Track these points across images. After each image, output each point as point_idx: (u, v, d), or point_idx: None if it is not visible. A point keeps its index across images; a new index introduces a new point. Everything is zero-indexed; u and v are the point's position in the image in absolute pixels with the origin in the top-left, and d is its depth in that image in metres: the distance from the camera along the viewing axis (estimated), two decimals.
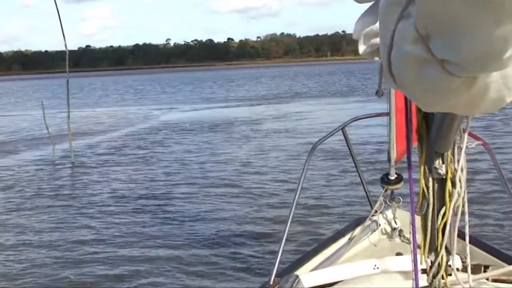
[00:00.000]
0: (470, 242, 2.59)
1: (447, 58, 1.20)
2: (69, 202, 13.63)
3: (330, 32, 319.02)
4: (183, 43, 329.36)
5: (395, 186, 4.85)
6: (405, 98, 2.16)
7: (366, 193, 5.42)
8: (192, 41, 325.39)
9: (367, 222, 4.91)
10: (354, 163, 5.52)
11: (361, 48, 2.04)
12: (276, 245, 4.72)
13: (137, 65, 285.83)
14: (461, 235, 2.40)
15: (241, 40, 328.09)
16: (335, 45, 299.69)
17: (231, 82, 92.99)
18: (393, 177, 4.84)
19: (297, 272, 3.58)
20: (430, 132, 2.18)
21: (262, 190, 13.84)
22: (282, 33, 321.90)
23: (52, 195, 14.55)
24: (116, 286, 8.43)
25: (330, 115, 30.32)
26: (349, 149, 5.42)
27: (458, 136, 2.19)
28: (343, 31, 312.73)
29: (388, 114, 4.69)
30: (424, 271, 2.36)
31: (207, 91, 68.92)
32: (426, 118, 2.18)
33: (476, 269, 3.47)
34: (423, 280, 2.34)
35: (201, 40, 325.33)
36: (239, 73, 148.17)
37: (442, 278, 2.32)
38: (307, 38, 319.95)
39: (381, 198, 4.89)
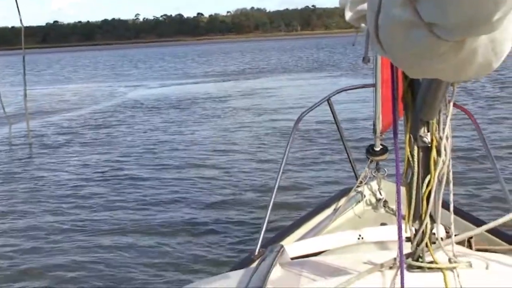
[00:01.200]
0: (454, 213, 2.67)
1: (435, 22, 1.20)
2: (22, 185, 12.91)
3: (300, 6, 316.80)
4: (152, 18, 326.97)
5: (380, 157, 4.89)
6: (391, 67, 2.10)
7: (352, 164, 5.45)
8: (161, 16, 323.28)
9: (352, 193, 4.95)
10: (340, 134, 5.54)
11: (348, 14, 2.07)
12: (262, 216, 4.60)
13: (106, 41, 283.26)
14: (446, 205, 2.40)
15: (211, 15, 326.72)
16: (305, 20, 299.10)
17: (201, 57, 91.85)
18: (378, 148, 4.88)
19: (282, 243, 3.45)
20: (415, 100, 2.17)
21: (239, 165, 13.68)
22: (252, 8, 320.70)
23: (5, 177, 13.85)
24: (80, 274, 7.96)
25: (303, 91, 29.87)
26: (335, 120, 5.40)
27: (443, 105, 2.15)
28: (313, 5, 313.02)
29: (373, 85, 4.69)
30: (408, 239, 2.36)
31: (176, 66, 67.76)
32: (412, 86, 2.17)
33: (462, 240, 3.50)
34: (408, 248, 2.36)
35: (171, 15, 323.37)
36: (209, 48, 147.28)
37: (426, 246, 2.33)
38: (277, 12, 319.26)
39: (366, 169, 4.95)
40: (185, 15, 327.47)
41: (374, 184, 4.99)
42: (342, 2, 2.10)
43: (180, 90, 35.57)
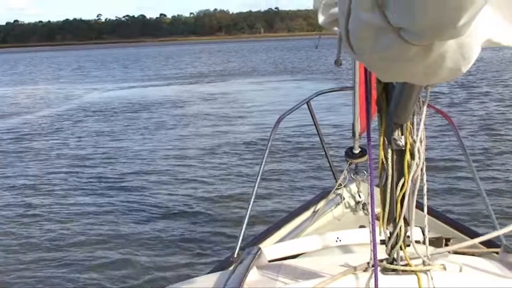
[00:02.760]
0: (432, 216, 3.24)
1: (402, 26, 1.23)
2: None
3: (263, 8, 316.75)
4: (114, 18, 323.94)
5: (359, 160, 4.91)
6: (365, 70, 2.17)
7: (331, 166, 5.44)
8: (123, 17, 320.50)
9: (331, 195, 4.98)
10: (319, 136, 5.51)
11: (321, 18, 2.08)
12: (240, 220, 4.59)
13: (68, 41, 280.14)
14: (420, 207, 2.39)
15: (173, 16, 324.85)
16: (268, 22, 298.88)
17: (163, 59, 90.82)
18: (357, 150, 4.90)
19: (260, 245, 3.40)
20: (389, 103, 2.18)
21: (209, 171, 13.61)
22: (215, 9, 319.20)
23: None
24: None
25: (268, 95, 29.67)
26: (314, 122, 5.38)
27: (417, 107, 2.16)
28: (276, 8, 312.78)
29: (352, 88, 4.68)
30: (383, 242, 2.35)
31: (137, 68, 66.66)
32: (386, 89, 2.18)
33: (438, 242, 3.66)
34: (383, 251, 2.35)
35: (133, 16, 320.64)
36: (172, 49, 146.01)
37: (401, 249, 2.32)
38: (240, 14, 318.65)
39: (345, 172, 4.97)
40: (148, 16, 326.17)
41: (353, 186, 5.06)
42: (316, 5, 2.09)
43: (138, 93, 34.59)
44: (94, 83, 45.30)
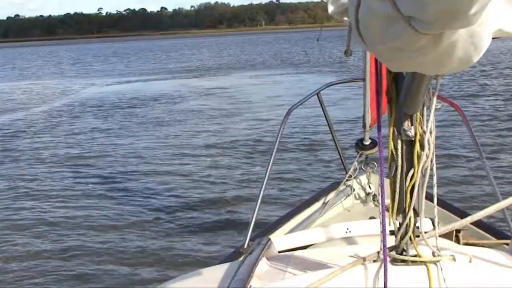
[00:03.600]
0: (442, 207, 3.42)
1: (413, 15, 1.22)
2: None
3: (264, 1, 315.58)
4: (115, 12, 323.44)
5: (369, 151, 4.93)
6: (375, 61, 2.18)
7: (341, 158, 5.44)
8: (124, 10, 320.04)
9: (341, 187, 5.00)
10: (329, 128, 5.47)
11: (330, 8, 2.11)
12: (251, 210, 4.37)
13: (69, 35, 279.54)
14: (430, 198, 2.37)
15: (174, 9, 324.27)
16: (269, 14, 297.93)
17: (164, 52, 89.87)
18: (367, 142, 4.92)
19: (270, 236, 3.37)
20: (399, 94, 2.20)
21: (223, 162, 13.63)
22: (216, 2, 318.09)
23: None
24: None
25: (271, 88, 29.03)
26: (324, 114, 5.36)
27: (427, 98, 2.15)
28: (277, 0, 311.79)
29: (363, 79, 4.70)
30: (393, 233, 2.36)
31: (138, 62, 65.80)
32: (396, 79, 2.20)
33: (448, 233, 3.49)
34: (393, 242, 2.37)
35: (134, 10, 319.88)
36: (173, 43, 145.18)
37: (410, 239, 2.33)
38: (242, 7, 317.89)
39: (356, 163, 4.99)
40: (149, 9, 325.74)
41: (363, 178, 5.09)
42: None
43: (139, 88, 33.89)
44: (92, 77, 44.61)
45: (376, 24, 1.32)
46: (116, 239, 9.02)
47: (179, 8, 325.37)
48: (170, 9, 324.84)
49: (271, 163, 4.50)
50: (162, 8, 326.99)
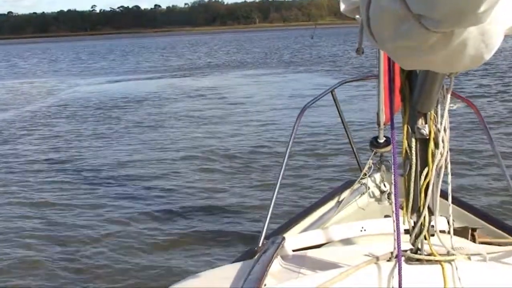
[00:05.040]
0: (457, 205, 3.42)
1: (423, 13, 1.23)
2: None
3: None
4: (109, 9, 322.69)
5: (384, 149, 4.92)
6: (388, 58, 2.18)
7: (356, 156, 5.44)
8: (118, 8, 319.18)
9: (356, 185, 4.98)
10: (344, 126, 5.47)
11: (342, 6, 2.14)
12: (266, 209, 4.29)
13: (62, 32, 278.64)
14: (445, 197, 2.40)
15: (168, 7, 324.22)
16: (263, 12, 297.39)
17: (158, 50, 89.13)
18: (382, 140, 4.91)
19: (285, 235, 3.41)
20: (413, 92, 2.20)
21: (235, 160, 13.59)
22: (210, 0, 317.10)
23: None
24: None
25: (268, 88, 28.57)
26: (338, 112, 5.36)
27: (441, 96, 2.17)
28: None
29: (377, 77, 4.71)
30: (408, 232, 2.37)
31: (130, 60, 64.79)
32: (409, 77, 2.20)
33: (463, 232, 3.60)
34: (407, 241, 2.38)
35: (128, 7, 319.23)
36: (166, 40, 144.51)
37: (425, 238, 2.33)
38: (236, 4, 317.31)
39: (370, 161, 4.99)
40: (142, 7, 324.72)
41: (378, 176, 5.06)
42: None
43: (128, 87, 32.79)
44: (81, 76, 43.51)
45: (386, 22, 1.31)
46: (113, 247, 8.68)
47: (172, 6, 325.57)
48: (163, 6, 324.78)
49: (285, 161, 4.49)
50: (155, 5, 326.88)
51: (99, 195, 11.29)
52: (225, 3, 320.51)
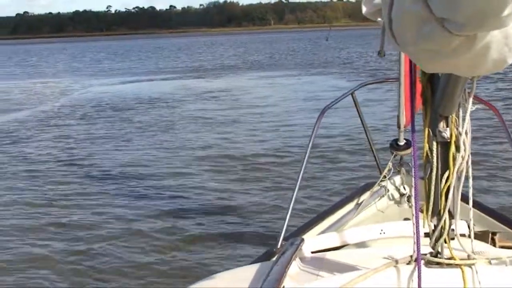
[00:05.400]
0: (478, 209, 3.26)
1: (446, 16, 1.23)
2: None
3: (273, 0, 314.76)
4: (124, 10, 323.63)
5: (404, 152, 4.89)
6: (410, 61, 2.20)
7: (375, 158, 5.42)
8: (133, 8, 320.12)
9: (375, 187, 4.94)
10: (364, 128, 5.45)
11: (364, 8, 2.16)
12: (284, 210, 4.26)
13: (78, 33, 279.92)
14: (466, 200, 2.40)
15: (183, 8, 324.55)
16: (278, 13, 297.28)
17: (172, 51, 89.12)
18: (402, 142, 4.89)
19: (304, 236, 3.32)
20: (434, 95, 2.19)
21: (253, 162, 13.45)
22: (225, 1, 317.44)
23: None
24: None
25: (284, 90, 28.03)
26: (358, 114, 5.33)
27: (462, 99, 2.17)
28: (286, 0, 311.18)
29: (397, 79, 4.71)
30: (428, 235, 2.37)
31: (144, 60, 64.70)
32: (431, 80, 2.19)
33: (483, 236, 3.54)
34: (427, 244, 2.37)
35: (143, 7, 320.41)
36: (181, 41, 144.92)
37: (445, 242, 2.33)
38: (251, 6, 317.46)
39: (390, 164, 4.94)
40: (158, 8, 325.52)
41: (397, 178, 5.02)
42: None
43: (141, 88, 32.53)
44: (95, 76, 43.34)
45: (409, 25, 1.30)
46: (131, 247, 8.63)
47: (188, 7, 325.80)
48: (179, 7, 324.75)
49: (305, 163, 4.45)
50: (171, 6, 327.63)
51: (111, 196, 11.18)
52: (240, 4, 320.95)
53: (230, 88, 30.20)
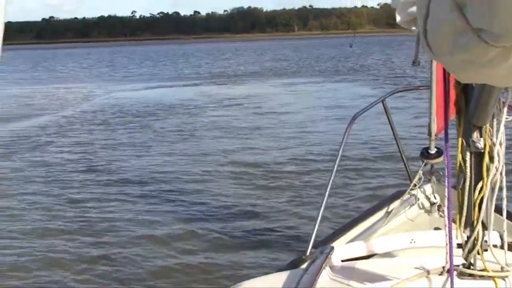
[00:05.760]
0: (509, 219, 2.94)
1: (482, 27, 1.20)
2: None
3: (297, 6, 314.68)
4: (148, 15, 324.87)
5: (435, 160, 4.84)
6: (444, 70, 2.12)
7: (406, 166, 5.34)
8: (158, 14, 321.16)
9: (406, 196, 4.88)
10: (394, 135, 5.41)
11: (399, 17, 2.14)
12: (313, 218, 4.55)
13: (102, 37, 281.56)
14: (499, 211, 2.37)
15: (207, 13, 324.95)
16: (302, 20, 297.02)
17: (196, 56, 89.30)
18: (433, 151, 4.85)
19: (333, 244, 3.30)
20: (468, 104, 2.16)
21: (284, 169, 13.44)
22: (249, 7, 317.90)
23: None
24: None
25: (309, 98, 27.82)
26: (389, 121, 5.33)
27: (497, 109, 2.12)
28: (310, 6, 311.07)
29: (429, 87, 4.70)
30: (460, 245, 2.33)
31: (168, 66, 64.91)
32: (465, 90, 2.16)
33: None
34: (459, 255, 2.33)
35: (167, 13, 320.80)
36: (206, 47, 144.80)
37: (478, 253, 2.29)
38: (274, 12, 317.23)
39: (420, 172, 4.88)
40: (182, 13, 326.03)
41: (428, 187, 4.98)
42: (394, 4, 2.12)
43: (164, 94, 32.60)
44: (118, 82, 43.54)
45: (444, 35, 1.29)
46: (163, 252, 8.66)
47: (212, 12, 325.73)
48: (203, 13, 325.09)
49: (334, 170, 4.44)
50: (195, 12, 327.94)
51: (132, 202, 11.24)
52: (264, 10, 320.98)
53: (252, 94, 30.04)
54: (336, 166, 4.52)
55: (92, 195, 11.73)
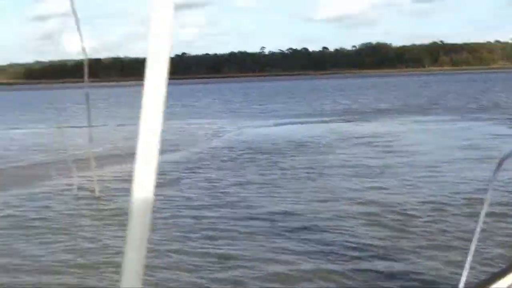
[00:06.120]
0: None
1: None
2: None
3: (427, 41, 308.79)
4: (278, 51, 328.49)
5: None
6: None
7: None
8: (287, 50, 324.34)
9: None
10: None
11: None
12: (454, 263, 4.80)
13: (233, 73, 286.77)
14: None
15: (336, 49, 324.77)
16: (432, 55, 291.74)
17: (326, 92, 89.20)
18: None
19: None
20: None
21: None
22: (378, 42, 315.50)
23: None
24: None
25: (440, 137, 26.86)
26: None
27: None
28: (441, 41, 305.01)
29: None
30: None
31: (299, 101, 65.27)
32: None
33: None
34: None
35: (296, 49, 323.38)
36: (334, 83, 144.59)
37: None
38: (404, 47, 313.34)
39: None
40: (310, 49, 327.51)
41: None
42: None
43: (293, 130, 33.04)
44: (248, 118, 44.08)
45: None
46: None
47: (340, 48, 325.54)
48: (331, 49, 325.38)
49: (485, 209, 4.06)
50: (323, 47, 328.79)
51: (260, 239, 11.35)
52: (393, 45, 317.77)
53: (382, 132, 29.68)
54: (484, 211, 4.19)
55: (222, 232, 11.87)
